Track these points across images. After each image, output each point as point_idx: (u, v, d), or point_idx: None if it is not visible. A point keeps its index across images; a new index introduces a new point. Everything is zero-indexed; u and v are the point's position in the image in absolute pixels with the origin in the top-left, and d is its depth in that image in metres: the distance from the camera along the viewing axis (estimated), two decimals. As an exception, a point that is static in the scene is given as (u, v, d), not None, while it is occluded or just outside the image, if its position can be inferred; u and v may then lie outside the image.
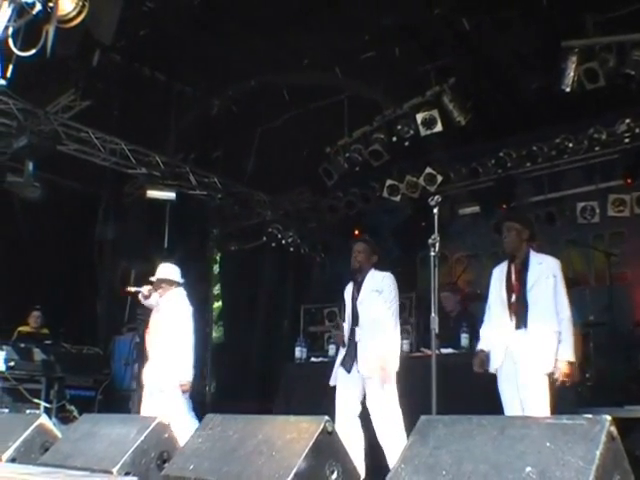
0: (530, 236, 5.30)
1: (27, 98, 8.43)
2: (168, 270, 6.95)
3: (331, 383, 5.89)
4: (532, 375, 4.85)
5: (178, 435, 4.00)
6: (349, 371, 5.78)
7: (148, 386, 6.65)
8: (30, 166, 8.83)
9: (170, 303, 6.83)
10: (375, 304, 5.76)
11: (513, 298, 5.06)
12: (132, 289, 7.04)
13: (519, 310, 4.98)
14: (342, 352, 5.93)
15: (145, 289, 6.94)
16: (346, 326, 5.99)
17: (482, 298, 9.93)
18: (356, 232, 11.20)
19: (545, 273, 5.05)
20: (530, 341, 4.91)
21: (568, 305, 5.03)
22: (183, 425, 5.68)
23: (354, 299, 5.95)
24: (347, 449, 4.83)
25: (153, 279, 6.91)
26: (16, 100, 8.35)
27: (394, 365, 5.63)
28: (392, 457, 5.18)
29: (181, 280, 6.96)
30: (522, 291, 5.02)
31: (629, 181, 9.25)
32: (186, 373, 6.58)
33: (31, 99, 8.49)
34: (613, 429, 2.46)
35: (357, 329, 5.82)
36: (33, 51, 5.71)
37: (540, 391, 4.82)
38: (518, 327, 4.97)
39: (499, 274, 5.32)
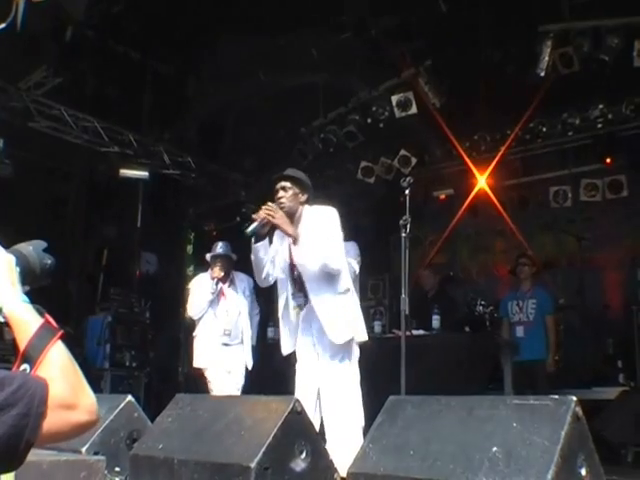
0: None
1: (-2, 74, 8.31)
2: None
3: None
4: None
5: None
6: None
7: None
8: (1, 143, 8.71)
9: None
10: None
11: None
12: None
13: None
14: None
15: None
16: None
17: (456, 280, 10.15)
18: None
19: None
20: None
21: None
22: None
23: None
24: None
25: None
26: (-14, 76, 8.22)
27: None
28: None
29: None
30: None
31: (608, 161, 9.31)
32: None
33: (2, 75, 8.35)
34: (579, 410, 2.49)
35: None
36: (2, 25, 5.63)
37: None
38: None
39: None
